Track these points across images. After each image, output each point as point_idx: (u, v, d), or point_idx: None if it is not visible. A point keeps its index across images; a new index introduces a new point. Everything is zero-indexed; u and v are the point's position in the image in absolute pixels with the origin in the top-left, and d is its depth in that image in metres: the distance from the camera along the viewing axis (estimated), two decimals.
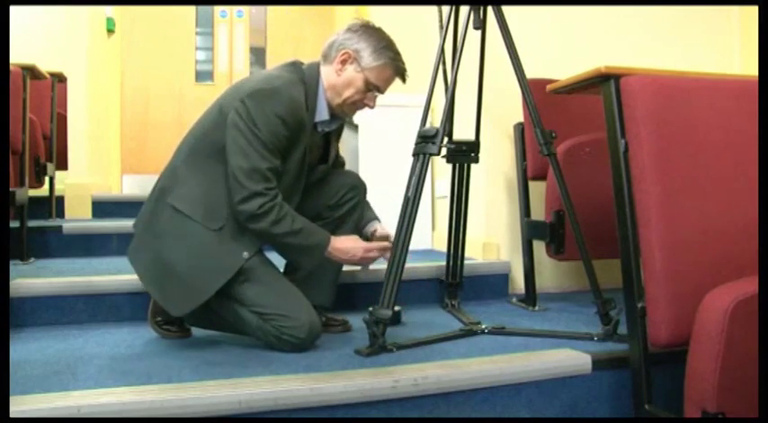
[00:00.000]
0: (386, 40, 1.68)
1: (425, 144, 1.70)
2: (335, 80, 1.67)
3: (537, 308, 2.14)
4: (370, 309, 1.57)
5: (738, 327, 1.07)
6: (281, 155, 1.58)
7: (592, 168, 1.88)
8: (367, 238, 1.81)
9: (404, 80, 1.74)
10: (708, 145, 1.30)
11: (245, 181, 1.52)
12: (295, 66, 1.70)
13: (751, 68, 2.63)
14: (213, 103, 1.69)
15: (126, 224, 2.68)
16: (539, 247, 2.16)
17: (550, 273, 2.44)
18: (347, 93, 1.67)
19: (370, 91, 1.69)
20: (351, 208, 1.82)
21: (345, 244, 1.66)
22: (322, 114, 1.69)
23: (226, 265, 1.55)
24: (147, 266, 1.61)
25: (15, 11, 3.19)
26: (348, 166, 1.99)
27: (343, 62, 1.66)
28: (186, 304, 1.56)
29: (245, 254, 1.56)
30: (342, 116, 1.75)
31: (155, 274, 1.60)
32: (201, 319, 1.68)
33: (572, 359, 1.52)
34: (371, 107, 1.73)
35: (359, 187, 1.85)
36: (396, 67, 1.69)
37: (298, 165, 1.64)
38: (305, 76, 1.67)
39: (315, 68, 1.69)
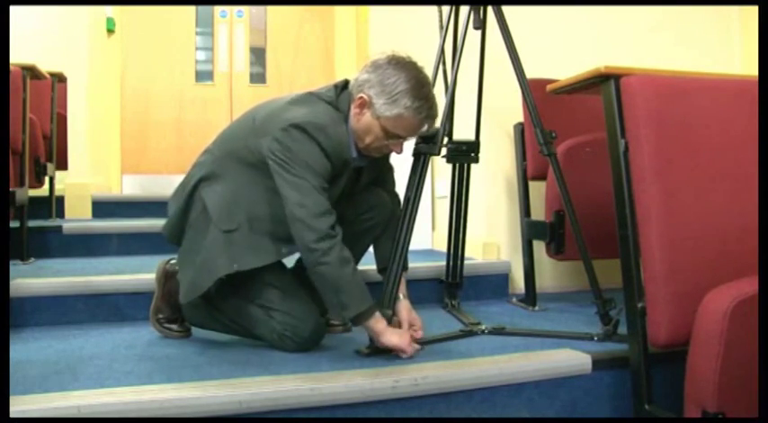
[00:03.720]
0: (408, 81, 1.49)
1: (425, 144, 1.70)
2: (356, 125, 1.55)
3: (537, 308, 2.14)
4: None
5: (738, 327, 1.07)
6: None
7: (592, 168, 1.88)
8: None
9: (430, 126, 1.61)
10: (708, 145, 1.31)
11: (312, 219, 1.44)
12: (335, 93, 1.58)
13: (751, 68, 2.63)
14: (249, 112, 1.64)
15: (126, 224, 2.69)
16: (539, 247, 2.16)
17: (550, 273, 2.44)
18: (367, 139, 1.55)
19: (393, 138, 1.55)
20: (366, 229, 1.72)
21: (393, 335, 1.51)
22: (352, 151, 1.59)
23: (215, 269, 1.55)
24: (181, 248, 1.66)
25: (15, 11, 3.19)
26: None
27: (361, 106, 1.53)
28: (188, 293, 1.60)
29: (236, 266, 1.55)
30: (369, 157, 1.63)
31: (181, 257, 1.65)
32: (203, 319, 1.69)
33: (572, 359, 1.52)
34: (399, 152, 1.60)
35: (379, 208, 1.72)
36: (414, 117, 1.51)
37: (334, 198, 1.58)
38: (340, 108, 1.56)
39: (347, 102, 1.57)
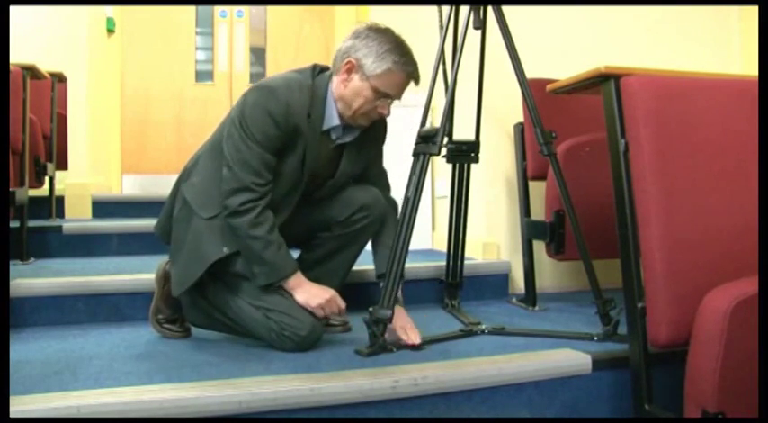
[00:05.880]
0: (391, 41, 1.59)
1: (425, 144, 1.70)
2: (343, 91, 1.60)
3: (537, 308, 2.14)
4: (370, 309, 1.57)
5: (738, 327, 1.07)
6: (274, 154, 1.57)
7: (592, 168, 1.88)
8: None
9: (416, 82, 1.65)
10: (708, 145, 1.30)
11: (235, 173, 1.53)
12: (312, 70, 1.65)
13: (751, 68, 2.63)
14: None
15: (126, 224, 2.69)
16: (539, 247, 2.16)
17: (550, 273, 2.44)
18: (356, 103, 1.60)
19: (382, 99, 1.61)
20: (360, 228, 1.73)
21: (311, 289, 1.59)
22: (331, 121, 1.63)
23: (206, 256, 1.57)
24: (171, 245, 1.69)
25: (16, 11, 3.19)
26: None
27: (348, 72, 1.59)
28: (180, 284, 1.61)
29: (225, 249, 1.57)
30: (356, 127, 1.67)
31: (171, 253, 1.68)
32: (202, 319, 1.69)
33: (572, 359, 1.52)
34: (386, 115, 1.65)
35: (372, 207, 1.73)
36: (403, 71, 1.59)
37: (294, 172, 1.61)
38: (315, 83, 1.62)
39: (326, 78, 1.64)
